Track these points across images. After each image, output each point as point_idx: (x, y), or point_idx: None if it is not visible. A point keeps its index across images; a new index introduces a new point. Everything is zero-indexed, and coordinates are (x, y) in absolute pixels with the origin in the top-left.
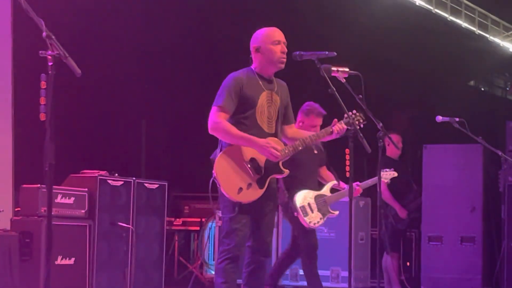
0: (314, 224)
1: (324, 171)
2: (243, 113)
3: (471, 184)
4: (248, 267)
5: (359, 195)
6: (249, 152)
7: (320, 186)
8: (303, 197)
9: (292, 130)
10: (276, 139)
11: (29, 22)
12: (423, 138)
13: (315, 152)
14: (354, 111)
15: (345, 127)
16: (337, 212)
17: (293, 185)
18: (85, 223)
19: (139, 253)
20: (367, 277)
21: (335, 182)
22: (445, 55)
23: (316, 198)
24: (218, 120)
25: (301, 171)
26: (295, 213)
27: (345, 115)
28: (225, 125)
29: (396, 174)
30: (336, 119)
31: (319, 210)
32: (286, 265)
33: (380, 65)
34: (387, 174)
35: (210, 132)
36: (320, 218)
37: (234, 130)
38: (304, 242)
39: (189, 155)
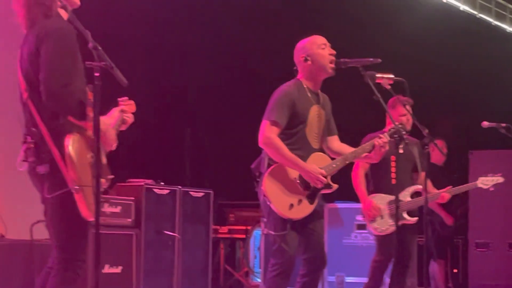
0: (382, 231)
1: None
2: (292, 128)
3: None
4: (303, 278)
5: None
6: None
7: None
8: (376, 202)
9: (337, 143)
10: (323, 155)
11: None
12: (469, 144)
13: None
14: (397, 123)
15: (386, 140)
16: (414, 219)
17: (375, 187)
18: (132, 231)
19: (185, 261)
20: (414, 284)
21: (418, 186)
22: (490, 60)
23: (390, 203)
24: (270, 136)
25: (385, 174)
26: (362, 218)
27: (387, 128)
28: (277, 143)
29: (502, 180)
30: (379, 135)
31: (391, 216)
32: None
33: (424, 70)
34: (489, 180)
35: (261, 145)
36: (390, 225)
37: (285, 150)
38: (380, 249)
39: (234, 163)
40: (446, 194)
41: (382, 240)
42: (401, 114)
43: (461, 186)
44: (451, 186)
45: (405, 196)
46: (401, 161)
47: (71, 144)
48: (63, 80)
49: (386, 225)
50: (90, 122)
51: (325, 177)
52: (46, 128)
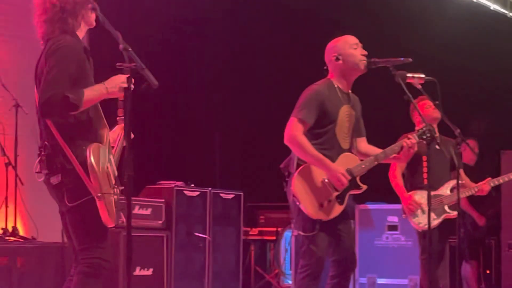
0: (425, 225)
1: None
2: (322, 128)
3: None
4: (333, 280)
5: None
6: None
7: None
8: (416, 198)
9: (364, 144)
10: (352, 155)
11: (105, 34)
12: (500, 144)
13: (445, 154)
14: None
15: (414, 141)
16: (455, 212)
17: (412, 186)
18: (162, 233)
19: (216, 263)
20: (446, 286)
21: (454, 181)
22: None
23: (432, 198)
24: (295, 134)
25: (414, 175)
26: (403, 215)
27: (416, 129)
28: (302, 141)
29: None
30: (407, 135)
31: (432, 210)
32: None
33: (455, 70)
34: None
35: (286, 143)
36: (433, 219)
37: (309, 148)
38: (425, 244)
39: (264, 165)
40: (486, 185)
41: (424, 236)
42: (426, 106)
43: (500, 177)
44: (490, 178)
45: (446, 190)
46: (437, 159)
47: (92, 154)
48: (52, 89)
49: (426, 220)
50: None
51: (354, 177)
52: (63, 140)
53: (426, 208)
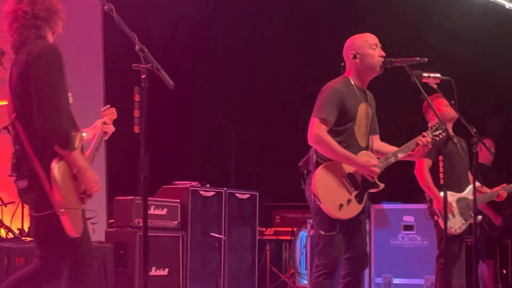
0: (456, 230)
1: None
2: (341, 126)
3: None
4: (346, 278)
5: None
6: (346, 168)
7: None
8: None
9: (377, 142)
10: (371, 153)
11: (121, 35)
12: None
13: (462, 155)
14: (437, 121)
15: (429, 140)
16: (480, 217)
17: (436, 185)
18: (178, 233)
19: (231, 263)
20: (462, 285)
21: (478, 184)
22: None
23: (459, 201)
24: (320, 134)
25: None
26: (435, 217)
27: (429, 125)
28: (328, 140)
29: None
30: (423, 133)
31: (461, 214)
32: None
33: (472, 69)
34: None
35: (310, 143)
36: (462, 224)
37: (336, 146)
38: (446, 249)
39: (279, 165)
40: (503, 192)
41: (452, 240)
42: (444, 105)
43: None
44: (505, 184)
45: (469, 193)
46: (458, 159)
47: (57, 168)
48: (54, 111)
49: (459, 223)
50: (72, 150)
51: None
52: (32, 150)
53: (455, 212)
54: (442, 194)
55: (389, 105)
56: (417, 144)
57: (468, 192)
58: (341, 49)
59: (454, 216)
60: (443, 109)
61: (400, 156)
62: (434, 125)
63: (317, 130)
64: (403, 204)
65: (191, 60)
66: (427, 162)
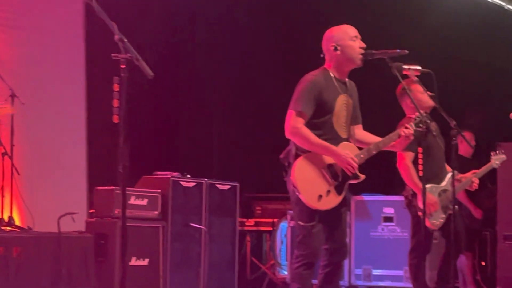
0: (436, 226)
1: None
2: (319, 118)
3: None
4: (325, 269)
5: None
6: (326, 159)
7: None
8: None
9: (360, 131)
10: (351, 145)
11: (101, 25)
12: (496, 136)
13: (440, 144)
14: (421, 111)
15: (412, 130)
16: (455, 207)
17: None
18: (158, 224)
19: (212, 253)
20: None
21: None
22: None
23: (440, 194)
24: (297, 126)
25: (430, 159)
26: (419, 213)
27: (414, 116)
28: (304, 132)
29: (505, 158)
30: (406, 124)
31: (442, 208)
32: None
33: (452, 62)
34: (497, 159)
35: (288, 136)
36: (442, 218)
37: (313, 137)
38: (424, 243)
39: (261, 156)
40: (475, 179)
41: (429, 234)
42: (421, 92)
43: (482, 169)
44: (476, 170)
45: (448, 184)
46: (437, 149)
47: None
48: None
49: (439, 218)
50: None
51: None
52: None
53: (439, 206)
54: (428, 187)
55: (370, 96)
56: (399, 136)
57: (446, 183)
58: (320, 41)
59: (436, 211)
60: (420, 96)
61: (382, 147)
62: (418, 117)
63: (294, 123)
64: (383, 195)
65: (174, 51)
66: (409, 156)
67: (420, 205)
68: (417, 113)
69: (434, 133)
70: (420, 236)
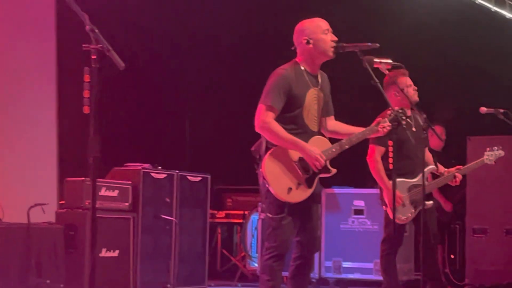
0: (402, 220)
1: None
2: (290, 112)
3: None
4: (296, 261)
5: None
6: (297, 152)
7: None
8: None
9: (332, 122)
10: (323, 139)
11: (72, 16)
12: (467, 130)
13: (414, 130)
14: (396, 107)
15: (390, 124)
16: (431, 202)
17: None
18: (129, 215)
19: (182, 245)
20: (411, 269)
21: (433, 167)
22: (489, 46)
23: (410, 188)
24: (266, 120)
25: (405, 153)
26: (384, 207)
27: (389, 112)
28: (274, 126)
29: (503, 154)
30: (380, 118)
31: (412, 202)
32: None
33: (423, 56)
34: (492, 155)
35: (257, 130)
36: (411, 213)
37: (282, 132)
38: (393, 236)
39: (232, 148)
40: (459, 174)
41: (398, 228)
42: (407, 85)
43: (470, 164)
44: (461, 166)
45: (422, 179)
46: (411, 143)
47: None
48: None
49: (407, 213)
50: None
51: (325, 161)
52: None
53: (406, 201)
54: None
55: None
56: (377, 131)
57: (420, 178)
58: (292, 34)
59: (404, 205)
60: (405, 90)
61: (355, 142)
62: (393, 112)
63: (263, 117)
64: (354, 188)
65: (147, 42)
66: (379, 150)
67: (385, 199)
68: (392, 110)
69: (414, 129)
70: (390, 230)
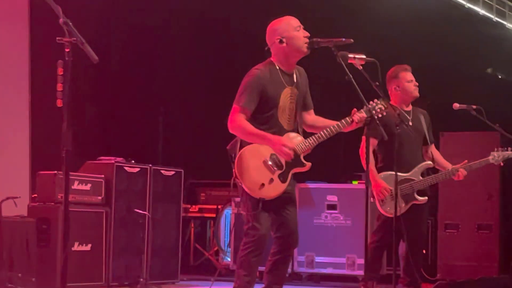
0: (391, 213)
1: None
2: (264, 113)
3: (488, 171)
4: (274, 256)
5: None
6: (268, 149)
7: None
8: (386, 182)
9: (311, 117)
10: (295, 134)
11: (46, 8)
12: (440, 126)
13: (411, 124)
14: (376, 100)
15: (365, 115)
16: (424, 199)
17: (381, 167)
18: (102, 209)
19: (155, 239)
20: (383, 264)
21: (429, 162)
22: (462, 43)
23: (402, 182)
24: (236, 119)
25: (400, 146)
26: (371, 199)
27: (365, 105)
28: (241, 124)
29: (511, 154)
30: (355, 109)
31: (402, 196)
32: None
33: (397, 52)
34: (500, 156)
35: (230, 131)
36: (401, 207)
37: (249, 127)
38: (381, 230)
39: (206, 142)
40: (463, 170)
41: (387, 221)
42: (407, 80)
43: (475, 162)
44: (466, 161)
45: (416, 174)
46: (409, 136)
47: None
48: None
49: (397, 206)
50: None
51: (299, 155)
52: None
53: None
54: (385, 174)
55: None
56: (352, 122)
57: (413, 172)
58: (265, 33)
59: (392, 198)
60: (406, 85)
61: (331, 134)
62: (371, 105)
63: (234, 117)
64: (327, 183)
65: (120, 35)
66: (372, 142)
67: (374, 192)
68: (372, 102)
69: (411, 123)
70: (380, 222)
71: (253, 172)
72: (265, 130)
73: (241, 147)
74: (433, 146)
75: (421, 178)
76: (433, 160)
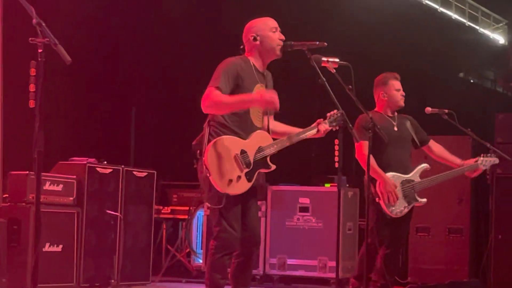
0: (397, 213)
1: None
2: None
3: (459, 175)
4: (238, 258)
5: (476, 175)
6: (239, 144)
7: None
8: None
9: (271, 122)
10: (265, 133)
11: (19, 8)
12: None
13: (396, 130)
14: (335, 111)
15: (329, 128)
16: (424, 200)
17: (380, 167)
18: (73, 210)
19: (127, 241)
20: (354, 267)
21: (425, 165)
22: (435, 47)
23: (403, 183)
24: (211, 95)
25: (389, 150)
26: (377, 199)
27: (327, 115)
28: (218, 97)
29: (497, 161)
30: (321, 119)
31: (405, 197)
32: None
33: (370, 56)
34: (487, 161)
35: (205, 111)
36: (405, 207)
37: (226, 97)
38: (379, 232)
39: (178, 144)
40: (481, 166)
41: (387, 222)
42: (396, 89)
43: (490, 158)
44: (482, 155)
45: (415, 176)
46: (396, 141)
47: None
48: None
49: (401, 207)
50: None
51: (265, 157)
52: None
53: (399, 194)
54: (389, 175)
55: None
56: (318, 131)
57: (413, 174)
58: (241, 34)
59: (398, 199)
60: (393, 93)
61: (296, 140)
62: (332, 115)
63: (210, 95)
64: (300, 186)
65: (91, 35)
66: (365, 144)
67: (378, 192)
68: (331, 112)
69: (396, 128)
70: (378, 223)
71: (223, 166)
72: (233, 122)
73: (209, 141)
74: (432, 141)
75: (419, 179)
76: (438, 156)
